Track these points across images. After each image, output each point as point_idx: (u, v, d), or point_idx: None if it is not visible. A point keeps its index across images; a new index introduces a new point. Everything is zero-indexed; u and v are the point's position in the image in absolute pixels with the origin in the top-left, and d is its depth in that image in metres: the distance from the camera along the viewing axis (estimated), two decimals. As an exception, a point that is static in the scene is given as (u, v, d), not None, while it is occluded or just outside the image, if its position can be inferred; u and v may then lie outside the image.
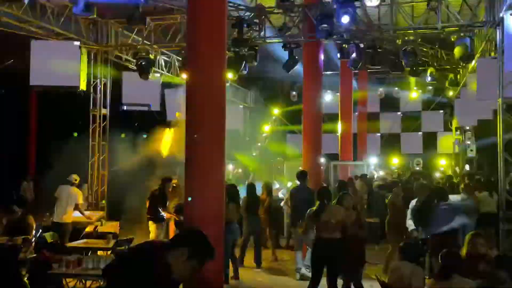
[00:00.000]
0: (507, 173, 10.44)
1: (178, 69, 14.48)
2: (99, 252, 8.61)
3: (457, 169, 19.24)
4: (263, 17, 11.46)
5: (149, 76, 12.72)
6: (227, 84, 15.03)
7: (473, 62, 12.45)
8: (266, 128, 22.41)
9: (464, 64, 14.32)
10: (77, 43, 11.69)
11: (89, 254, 8.26)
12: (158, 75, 14.09)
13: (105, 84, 13.88)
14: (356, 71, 17.96)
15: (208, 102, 6.63)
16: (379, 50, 11.78)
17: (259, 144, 23.18)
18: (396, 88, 20.95)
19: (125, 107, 14.02)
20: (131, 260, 2.86)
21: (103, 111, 13.80)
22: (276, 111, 22.32)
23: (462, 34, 10.69)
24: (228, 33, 8.10)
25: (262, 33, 11.64)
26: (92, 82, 13.38)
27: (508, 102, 9.95)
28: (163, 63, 14.66)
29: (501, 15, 9.41)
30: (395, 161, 21.91)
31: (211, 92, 6.66)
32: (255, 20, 11.25)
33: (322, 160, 13.05)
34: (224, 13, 7.01)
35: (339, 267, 7.19)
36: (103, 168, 13.73)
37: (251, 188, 11.07)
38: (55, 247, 8.29)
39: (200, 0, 6.85)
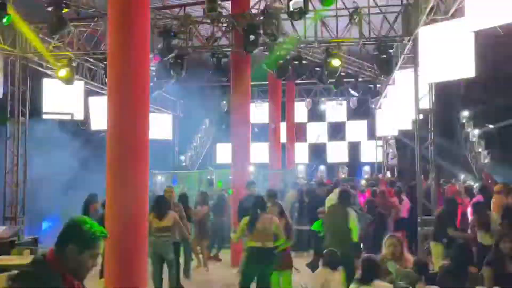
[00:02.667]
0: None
1: (103, 76, 14.04)
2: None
3: (380, 176, 20.03)
4: (190, 26, 11.40)
5: (71, 84, 12.24)
6: (155, 93, 14.81)
7: (393, 74, 13.07)
8: (196, 137, 22.26)
9: (385, 76, 14.96)
10: (-8, 48, 11.07)
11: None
12: (82, 83, 13.58)
13: (23, 92, 13.15)
14: (283, 82, 18.38)
15: (131, 111, 6.46)
16: (304, 62, 12.08)
17: (189, 153, 22.98)
18: (323, 99, 21.59)
19: (46, 116, 13.40)
20: (27, 277, 2.70)
21: (21, 119, 13.07)
22: (206, 120, 22.26)
23: (382, 47, 11.18)
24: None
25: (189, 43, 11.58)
26: (9, 90, 12.65)
27: (424, 113, 10.52)
28: (87, 71, 14.16)
29: (416, 30, 9.96)
30: (322, 169, 22.50)
31: (134, 101, 6.50)
32: (182, 29, 11.15)
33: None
34: (148, 21, 6.89)
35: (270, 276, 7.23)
36: (21, 180, 12.99)
37: (182, 198, 10.91)
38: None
39: (122, 6, 6.68)
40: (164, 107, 19.49)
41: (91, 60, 13.94)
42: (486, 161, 19.43)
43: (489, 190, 11.61)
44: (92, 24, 12.21)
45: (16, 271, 2.78)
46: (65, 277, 2.65)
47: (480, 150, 19.86)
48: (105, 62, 13.19)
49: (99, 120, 14.26)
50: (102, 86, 14.29)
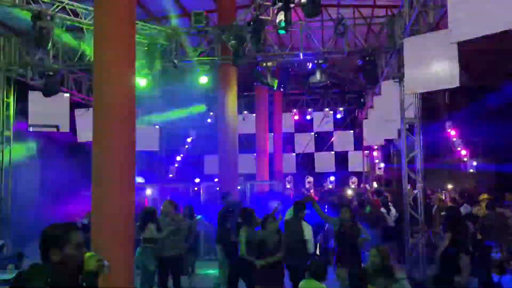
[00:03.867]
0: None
1: (88, 88, 13.99)
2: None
3: (367, 186, 20.13)
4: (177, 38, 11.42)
5: (57, 96, 12.16)
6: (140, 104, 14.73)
7: (379, 84, 13.19)
8: (183, 148, 22.19)
9: (370, 87, 15.10)
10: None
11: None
12: (67, 95, 13.49)
13: (8, 104, 13.02)
14: (271, 93, 18.46)
15: (117, 123, 6.42)
16: (291, 72, 12.14)
17: (176, 165, 22.87)
18: (310, 109, 21.68)
19: (31, 129, 13.28)
20: (24, 277, 2.82)
21: (6, 132, 12.92)
22: (193, 131, 22.21)
23: (367, 58, 11.27)
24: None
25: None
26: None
27: (409, 122, 10.61)
28: (72, 83, 14.08)
29: (401, 41, 10.07)
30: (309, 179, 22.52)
31: (120, 113, 6.46)
32: (168, 41, 11.17)
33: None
34: (133, 33, 6.89)
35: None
36: (5, 194, 12.80)
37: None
38: None
39: (108, 19, 6.67)
40: (150, 117, 19.43)
41: (76, 72, 13.88)
42: (471, 170, 19.61)
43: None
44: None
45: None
46: (57, 278, 2.80)
47: (465, 159, 20.06)
48: (91, 74, 13.18)
49: (86, 132, 14.17)
50: (88, 98, 14.22)
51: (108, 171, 6.34)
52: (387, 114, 12.82)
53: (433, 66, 8.90)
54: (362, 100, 15.88)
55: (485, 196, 11.93)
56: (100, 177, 6.38)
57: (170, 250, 8.15)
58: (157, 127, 20.06)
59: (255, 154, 19.41)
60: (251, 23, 10.38)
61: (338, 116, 21.15)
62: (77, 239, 2.93)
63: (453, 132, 20.43)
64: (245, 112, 20.31)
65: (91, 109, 13.92)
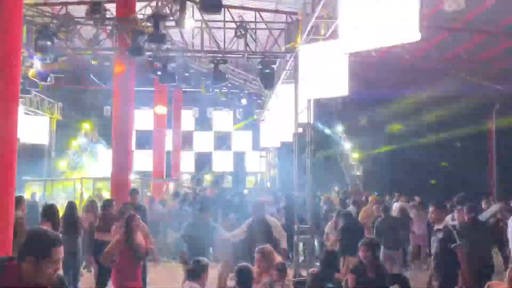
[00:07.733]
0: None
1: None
2: None
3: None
4: (72, 26, 10.87)
5: None
6: (31, 94, 13.86)
7: (276, 88, 13.55)
8: (76, 143, 21.11)
9: (268, 89, 15.47)
10: None
11: None
12: None
13: None
14: (171, 89, 18.22)
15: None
16: (190, 70, 12.10)
17: (68, 160, 21.70)
18: (210, 108, 21.72)
19: None
20: None
21: None
22: (87, 125, 21.19)
23: (266, 62, 11.55)
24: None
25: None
26: None
27: (303, 127, 11.01)
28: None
29: (298, 48, 10.44)
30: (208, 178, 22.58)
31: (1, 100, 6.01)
32: (62, 29, 10.59)
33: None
34: (20, 15, 6.43)
35: None
36: None
37: (70, 207, 10.32)
38: None
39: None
40: (39, 108, 18.26)
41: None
42: (358, 173, 20.87)
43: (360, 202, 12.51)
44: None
45: None
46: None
47: (353, 163, 21.30)
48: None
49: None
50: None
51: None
52: (282, 117, 13.24)
53: (326, 74, 9.35)
54: (260, 101, 16.24)
55: (373, 197, 12.67)
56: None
57: None
58: (46, 117, 18.87)
59: (152, 151, 19.04)
60: (151, 17, 10.18)
61: (238, 116, 21.40)
62: (56, 256, 2.69)
63: (343, 137, 21.61)
64: (143, 107, 19.83)
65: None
